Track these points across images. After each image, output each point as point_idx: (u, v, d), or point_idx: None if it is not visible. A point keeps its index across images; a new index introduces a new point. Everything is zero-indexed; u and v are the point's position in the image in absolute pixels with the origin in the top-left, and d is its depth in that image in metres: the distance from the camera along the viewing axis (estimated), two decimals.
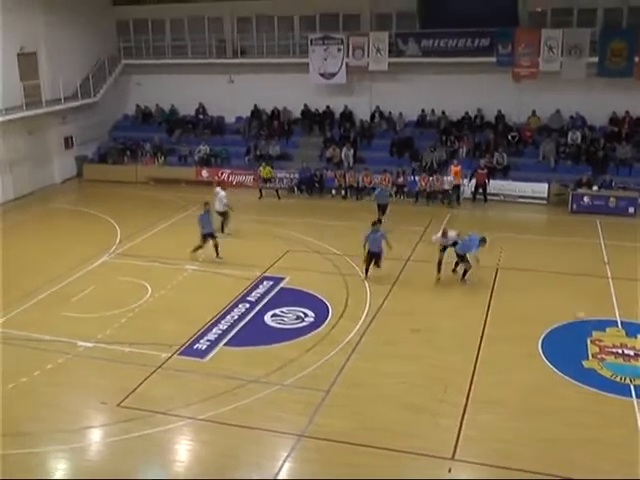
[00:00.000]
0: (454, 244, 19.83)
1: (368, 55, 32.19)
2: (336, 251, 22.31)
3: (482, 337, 16.48)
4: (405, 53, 32.19)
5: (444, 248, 20.00)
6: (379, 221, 21.93)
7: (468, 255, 19.50)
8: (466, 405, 13.54)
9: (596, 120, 31.49)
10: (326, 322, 17.21)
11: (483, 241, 19.34)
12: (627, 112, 30.89)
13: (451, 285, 19.75)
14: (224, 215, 24.30)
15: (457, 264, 19.97)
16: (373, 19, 33.73)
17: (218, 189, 24.96)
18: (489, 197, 29.25)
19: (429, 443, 12.29)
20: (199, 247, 21.69)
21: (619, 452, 12.10)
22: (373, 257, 19.79)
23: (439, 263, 19.91)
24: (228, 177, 32.34)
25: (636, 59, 29.04)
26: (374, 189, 27.31)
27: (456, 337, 16.50)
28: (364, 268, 20.03)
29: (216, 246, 21.61)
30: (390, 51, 32.08)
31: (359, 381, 14.49)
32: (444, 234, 20.13)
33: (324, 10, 34.08)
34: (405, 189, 29.88)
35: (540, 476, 11.41)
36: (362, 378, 14.61)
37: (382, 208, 25.50)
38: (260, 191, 30.45)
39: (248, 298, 18.83)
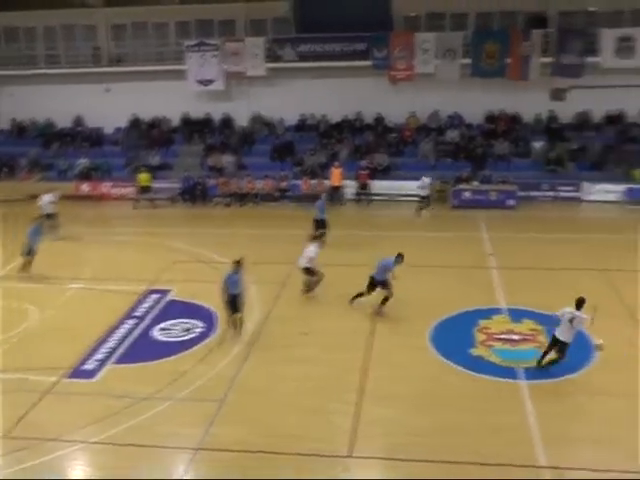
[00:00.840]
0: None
1: (245, 61, 32.05)
2: (222, 259, 21.93)
3: (372, 334, 16.58)
4: (282, 58, 32.29)
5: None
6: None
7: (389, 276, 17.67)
8: (361, 402, 13.54)
9: (473, 118, 32.61)
10: (216, 332, 16.84)
11: (399, 258, 17.38)
12: (502, 110, 32.07)
13: (335, 285, 19.73)
14: (52, 217, 24.16)
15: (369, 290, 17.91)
16: (248, 24, 33.66)
17: (44, 195, 24.91)
18: (372, 197, 29.64)
19: (326, 443, 12.17)
20: (26, 263, 21.06)
21: (512, 435, 12.40)
22: (233, 302, 16.27)
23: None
24: (109, 190, 31.45)
25: (508, 60, 30.17)
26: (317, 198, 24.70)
27: (346, 336, 16.51)
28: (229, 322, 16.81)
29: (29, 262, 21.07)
30: (267, 56, 32.14)
31: (252, 388, 14.24)
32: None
33: (199, 16, 33.81)
34: (288, 193, 29.85)
35: (440, 465, 11.54)
36: (255, 384, 14.37)
37: (319, 223, 23.20)
38: (136, 200, 29.75)
39: (135, 314, 18.20)
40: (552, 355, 14.57)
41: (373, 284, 17.65)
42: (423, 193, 27.69)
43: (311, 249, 18.32)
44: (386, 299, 17.58)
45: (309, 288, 18.65)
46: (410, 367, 14.96)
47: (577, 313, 14.15)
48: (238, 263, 16.11)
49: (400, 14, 32.32)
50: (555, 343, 14.41)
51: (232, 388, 14.17)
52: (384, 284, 17.53)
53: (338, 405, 13.46)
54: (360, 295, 17.91)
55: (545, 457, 11.73)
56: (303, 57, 32.04)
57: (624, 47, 29.79)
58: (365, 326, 17.02)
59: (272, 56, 32.29)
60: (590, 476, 11.40)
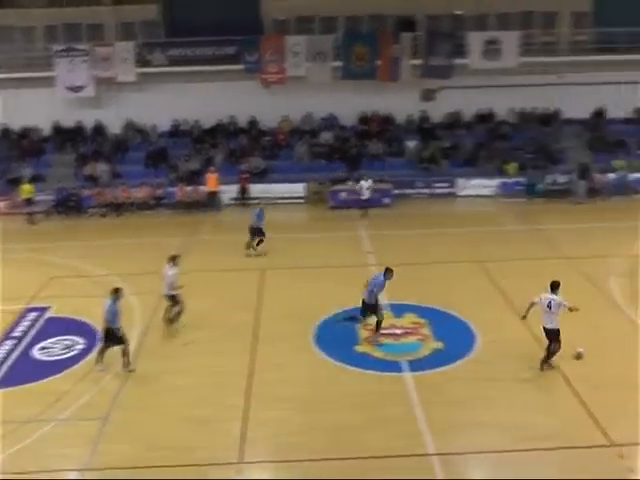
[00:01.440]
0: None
1: (115, 66, 31.29)
2: (102, 272, 21.35)
3: (256, 338, 16.58)
4: (152, 63, 31.72)
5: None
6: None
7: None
8: (248, 407, 13.51)
9: (346, 120, 33.15)
10: (97, 348, 16.30)
11: (388, 273, 16.14)
12: (375, 111, 32.80)
13: (216, 289, 19.60)
14: None
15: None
16: (117, 28, 32.90)
17: None
18: (250, 201, 29.58)
19: (216, 451, 12.10)
20: None
21: (400, 427, 12.72)
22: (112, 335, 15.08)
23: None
24: None
25: (378, 62, 30.84)
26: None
27: (229, 342, 16.40)
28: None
29: None
30: (137, 61, 31.50)
31: (138, 402, 13.93)
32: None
33: (67, 19, 32.73)
34: (164, 201, 29.45)
35: (332, 462, 11.71)
36: (141, 398, 14.07)
37: (255, 232, 22.83)
38: (30, 214, 28.35)
39: (13, 334, 17.40)
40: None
41: (366, 309, 16.21)
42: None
43: (169, 273, 16.64)
44: (379, 323, 16.21)
45: (172, 319, 16.99)
46: (295, 368, 15.06)
47: (554, 297, 14.03)
48: (116, 291, 15.03)
49: (270, 18, 32.54)
50: (547, 335, 14.34)
51: (117, 404, 13.83)
52: (375, 308, 16.17)
53: (226, 412, 13.39)
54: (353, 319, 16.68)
55: (432, 445, 12.11)
56: (174, 61, 31.59)
57: (491, 49, 31.17)
58: (248, 330, 16.97)
59: (142, 61, 31.68)
60: (477, 459, 11.94)
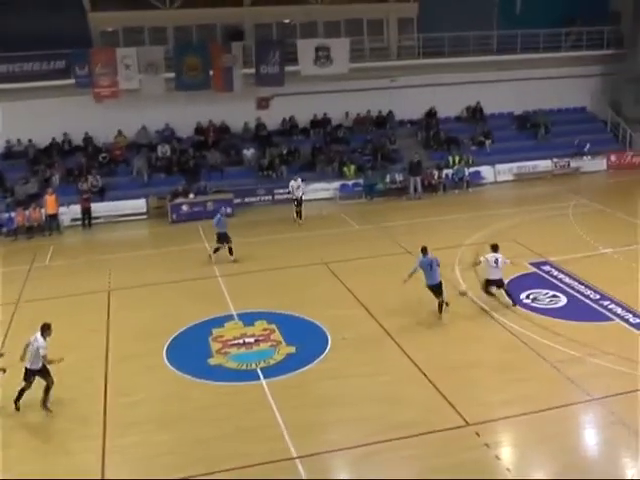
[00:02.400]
0: None
1: None
2: None
3: (105, 362, 15.92)
4: None
5: None
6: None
7: None
8: (105, 434, 12.94)
9: (183, 132, 32.69)
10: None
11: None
12: (210, 121, 32.52)
13: (63, 316, 18.50)
14: None
15: None
16: None
17: None
18: (93, 221, 28.51)
19: None
20: None
21: (264, 434, 12.65)
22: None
23: None
24: None
25: (211, 72, 30.60)
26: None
27: (81, 368, 15.50)
28: None
29: None
30: None
31: None
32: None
33: None
34: (2, 229, 27.71)
35: (200, 478, 11.47)
36: None
37: (222, 237, 22.62)
38: None
39: None
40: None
41: None
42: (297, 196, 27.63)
43: (40, 342, 13.62)
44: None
45: (44, 400, 13.93)
46: (149, 388, 14.64)
47: (498, 256, 17.59)
48: (44, 328, 13.72)
49: (97, 29, 31.39)
50: (493, 284, 17.82)
51: None
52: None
53: (82, 443, 12.77)
54: None
55: (295, 448, 12.12)
56: (0, 78, 29.73)
57: (321, 56, 31.68)
58: (97, 354, 16.27)
59: None
60: (339, 456, 12.06)
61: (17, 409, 13.76)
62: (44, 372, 13.80)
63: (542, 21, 34.51)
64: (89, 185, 29.43)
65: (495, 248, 17.88)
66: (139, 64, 30.18)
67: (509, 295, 17.87)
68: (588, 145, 34.38)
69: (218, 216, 22.82)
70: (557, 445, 12.08)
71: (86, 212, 28.51)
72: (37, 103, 30.22)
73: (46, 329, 13.82)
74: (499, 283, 17.81)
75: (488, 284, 17.96)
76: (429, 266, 16.96)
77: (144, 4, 30.68)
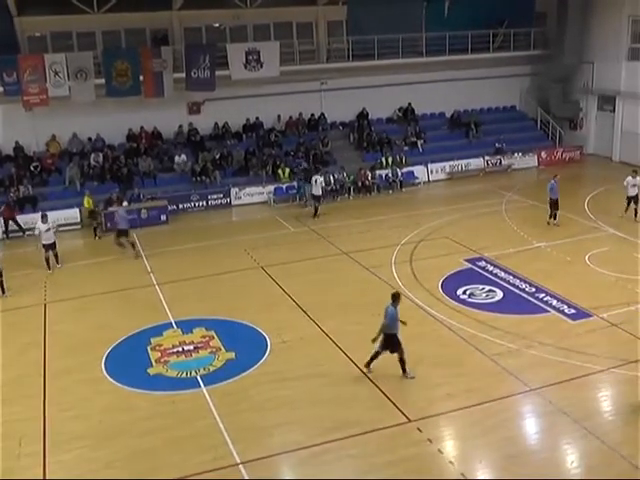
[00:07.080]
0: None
1: None
2: None
3: (42, 377, 15.55)
4: None
5: None
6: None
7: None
8: (45, 452, 12.69)
9: (115, 139, 32.05)
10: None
11: (395, 299, 14.48)
12: (142, 127, 32.10)
13: (10, 332, 18.12)
14: None
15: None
16: None
17: None
18: (14, 233, 27.46)
19: None
20: None
21: (207, 441, 12.61)
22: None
23: None
24: None
25: (141, 78, 30.18)
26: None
27: (19, 385, 15.23)
28: None
29: None
30: None
31: None
32: None
33: None
34: None
35: None
36: None
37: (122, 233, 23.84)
38: None
39: None
40: None
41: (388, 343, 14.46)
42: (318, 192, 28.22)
43: None
44: (402, 360, 14.56)
45: None
46: (89, 402, 14.40)
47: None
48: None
49: (24, 35, 30.62)
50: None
51: None
52: (394, 344, 14.47)
53: (22, 461, 12.49)
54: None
55: (239, 454, 12.12)
56: None
57: (251, 60, 31.55)
58: (35, 369, 15.88)
59: None
60: (283, 460, 12.16)
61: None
62: None
63: (470, 23, 35.16)
64: (20, 195, 28.58)
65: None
66: (68, 70, 29.50)
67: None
68: (504, 144, 35.16)
69: (122, 210, 24.55)
70: (498, 436, 12.44)
71: (12, 222, 27.51)
72: None
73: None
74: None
75: None
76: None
77: (72, 8, 29.93)
